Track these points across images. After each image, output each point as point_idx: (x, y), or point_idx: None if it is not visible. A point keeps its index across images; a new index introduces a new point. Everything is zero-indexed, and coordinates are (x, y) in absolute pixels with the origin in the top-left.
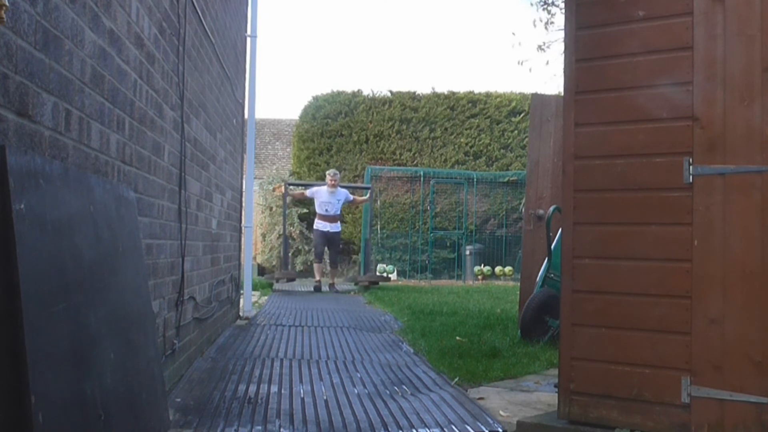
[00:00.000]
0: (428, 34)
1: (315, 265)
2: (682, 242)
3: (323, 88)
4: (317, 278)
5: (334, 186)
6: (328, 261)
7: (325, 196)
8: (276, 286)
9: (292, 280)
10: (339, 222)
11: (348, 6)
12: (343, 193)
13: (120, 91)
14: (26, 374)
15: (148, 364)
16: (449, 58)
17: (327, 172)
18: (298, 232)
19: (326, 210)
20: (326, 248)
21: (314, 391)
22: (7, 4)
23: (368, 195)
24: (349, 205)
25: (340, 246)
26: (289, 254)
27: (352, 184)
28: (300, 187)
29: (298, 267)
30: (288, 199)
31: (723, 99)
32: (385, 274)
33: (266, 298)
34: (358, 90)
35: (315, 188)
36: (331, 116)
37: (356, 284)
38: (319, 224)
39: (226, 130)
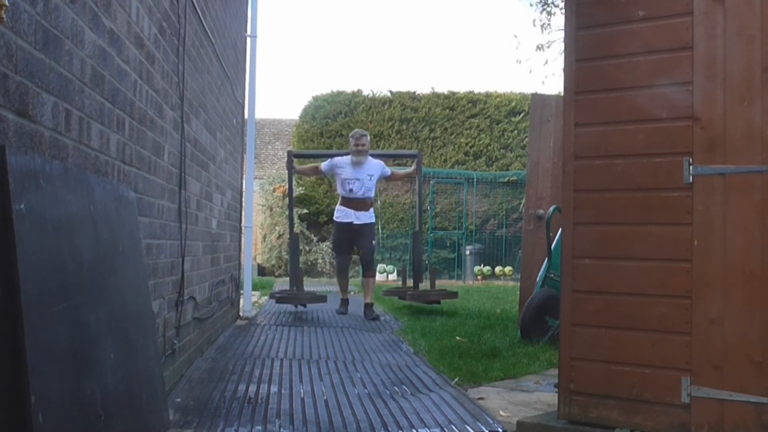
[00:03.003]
0: (428, 34)
1: (338, 281)
2: (682, 242)
3: (323, 88)
4: (343, 295)
5: (361, 152)
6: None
7: (349, 170)
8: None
9: (303, 305)
10: (371, 209)
11: (348, 6)
12: (377, 166)
13: (120, 91)
14: (26, 374)
15: (148, 364)
16: (449, 58)
17: (351, 135)
18: (299, 232)
19: (350, 190)
20: (352, 249)
21: (314, 391)
22: (7, 4)
23: (415, 165)
24: (386, 182)
25: (374, 244)
26: (299, 262)
27: (390, 152)
28: (310, 160)
29: None
30: (294, 182)
31: (723, 99)
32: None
33: (266, 298)
34: (358, 90)
35: (335, 159)
36: (331, 116)
37: (399, 298)
38: (340, 212)
39: (226, 130)
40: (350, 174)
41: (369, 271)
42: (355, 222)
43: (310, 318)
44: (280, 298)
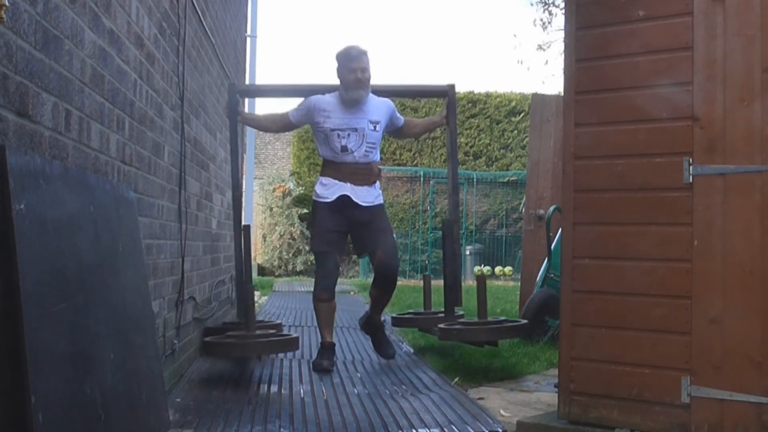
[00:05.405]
0: (428, 34)
1: (318, 307)
2: (682, 242)
3: None
4: (326, 337)
5: (361, 84)
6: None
7: (339, 116)
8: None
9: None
10: (377, 182)
11: (348, 6)
12: (384, 107)
13: (120, 91)
14: (26, 374)
15: (148, 364)
16: (449, 58)
17: (340, 54)
18: (299, 232)
19: (344, 147)
20: (344, 248)
21: (314, 391)
22: (7, 4)
23: (445, 110)
24: (397, 136)
25: (395, 239)
26: (253, 288)
27: (405, 86)
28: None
29: (299, 267)
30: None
31: (723, 99)
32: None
33: (266, 298)
34: None
35: (313, 99)
36: None
37: (420, 330)
38: (325, 187)
39: (226, 131)
40: (341, 121)
41: (387, 295)
42: (357, 200)
43: (309, 318)
44: (212, 345)
